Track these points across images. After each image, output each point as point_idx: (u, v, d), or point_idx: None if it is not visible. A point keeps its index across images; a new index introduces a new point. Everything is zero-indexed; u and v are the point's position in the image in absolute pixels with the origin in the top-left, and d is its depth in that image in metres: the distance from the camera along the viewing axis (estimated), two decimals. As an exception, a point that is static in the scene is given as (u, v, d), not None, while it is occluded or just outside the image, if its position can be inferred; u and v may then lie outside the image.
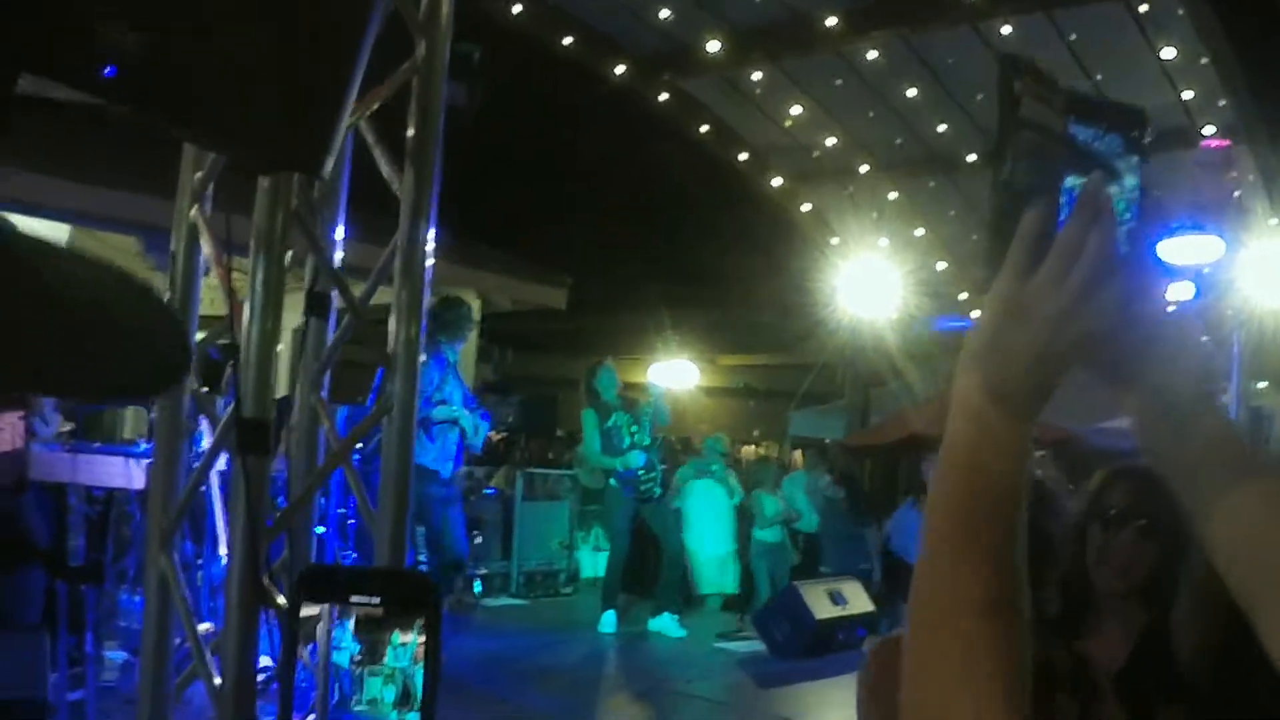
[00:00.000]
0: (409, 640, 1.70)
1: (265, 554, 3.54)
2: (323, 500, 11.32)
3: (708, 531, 13.55)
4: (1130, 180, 1.27)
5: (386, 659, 1.70)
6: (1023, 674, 1.15)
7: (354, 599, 1.72)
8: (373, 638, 1.72)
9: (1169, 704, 2.71)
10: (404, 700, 1.72)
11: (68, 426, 8.57)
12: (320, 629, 1.74)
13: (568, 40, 16.37)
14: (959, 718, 1.12)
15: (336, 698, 1.71)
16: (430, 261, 3.81)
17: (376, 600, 1.73)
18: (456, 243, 15.50)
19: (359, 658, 1.71)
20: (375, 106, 3.86)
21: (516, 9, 15.54)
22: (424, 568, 9.52)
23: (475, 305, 15.72)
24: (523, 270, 16.38)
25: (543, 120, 23.90)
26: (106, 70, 2.11)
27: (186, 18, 2.28)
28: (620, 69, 16.95)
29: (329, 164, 2.52)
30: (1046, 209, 1.23)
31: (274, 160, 2.58)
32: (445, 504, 10.01)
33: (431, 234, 3.82)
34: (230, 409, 3.40)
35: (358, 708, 1.68)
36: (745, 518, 14.45)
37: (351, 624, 1.72)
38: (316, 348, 4.07)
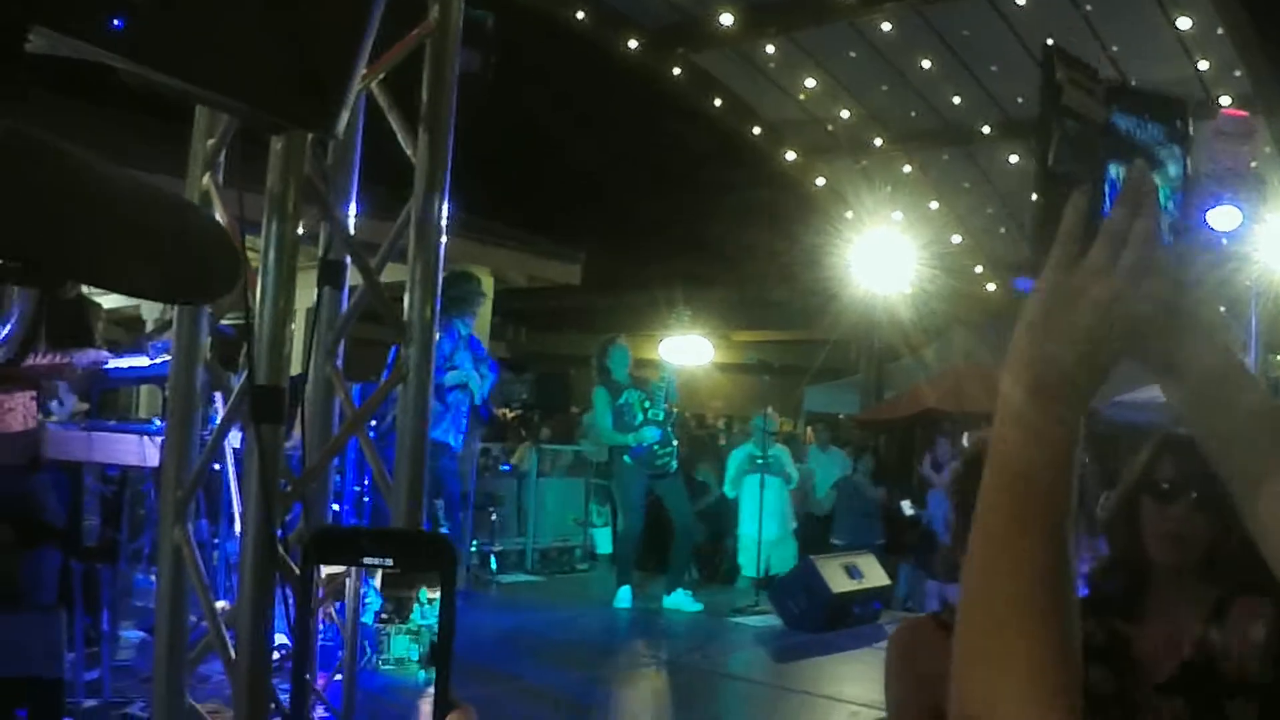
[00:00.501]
0: (435, 596, 1.66)
1: (281, 523, 3.51)
2: (338, 477, 11.32)
3: (768, 514, 13.45)
4: (1173, 168, 1.27)
5: (413, 616, 1.67)
6: (1074, 667, 1.15)
7: (367, 560, 1.69)
8: (399, 594, 1.69)
9: (1234, 698, 2.68)
10: (431, 658, 1.69)
11: (83, 406, 8.53)
12: (349, 586, 1.72)
13: (580, 15, 16.31)
14: (1009, 706, 1.12)
15: (364, 656, 1.69)
16: (445, 227, 3.76)
17: (389, 561, 1.70)
18: (470, 219, 15.50)
19: (385, 615, 1.68)
20: (388, 69, 3.81)
21: (529, -17, 15.49)
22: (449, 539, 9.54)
23: (489, 282, 15.71)
24: (536, 247, 16.33)
25: (556, 95, 23.83)
26: (115, 22, 2.06)
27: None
28: (633, 43, 16.89)
29: (342, 123, 2.46)
30: (1091, 197, 1.22)
31: (285, 118, 2.52)
32: (455, 476, 10.13)
33: (445, 203, 3.76)
34: (243, 380, 3.36)
35: (385, 666, 1.64)
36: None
37: (377, 581, 1.69)
38: (331, 318, 4.02)
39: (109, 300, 13.02)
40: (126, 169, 1.86)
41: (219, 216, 3.68)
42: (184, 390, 3.83)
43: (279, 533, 3.84)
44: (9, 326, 6.78)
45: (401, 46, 3.80)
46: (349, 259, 3.95)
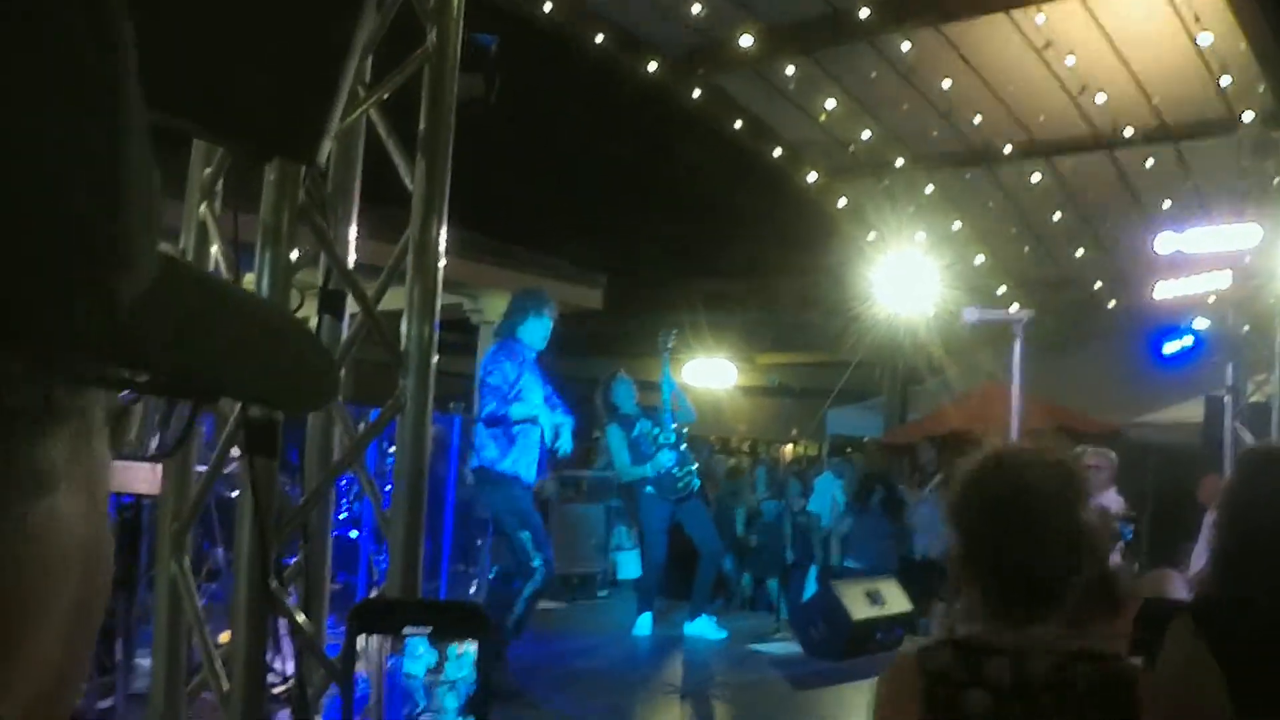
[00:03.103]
0: (464, 650, 1.67)
1: (277, 557, 3.46)
2: (358, 505, 11.28)
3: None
4: None
5: (447, 670, 1.67)
6: None
7: (407, 630, 1.72)
8: (439, 647, 1.71)
9: None
10: (467, 709, 1.72)
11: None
12: (374, 656, 1.71)
13: (599, 38, 16.29)
14: None
15: (406, 709, 1.68)
16: (443, 256, 3.71)
17: (428, 630, 1.73)
18: (490, 243, 15.50)
19: (434, 668, 1.70)
20: (385, 95, 3.77)
21: (548, 6, 15.46)
22: (539, 566, 9.11)
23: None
24: (558, 271, 16.33)
25: (576, 118, 23.83)
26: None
27: (174, 4, 2.19)
28: (652, 66, 16.87)
29: (324, 152, 2.42)
30: None
31: (267, 148, 2.48)
32: (522, 511, 9.36)
33: (444, 228, 3.71)
34: (237, 411, 3.31)
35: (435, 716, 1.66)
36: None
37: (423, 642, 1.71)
38: (330, 346, 3.97)
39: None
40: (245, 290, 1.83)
41: (214, 247, 3.64)
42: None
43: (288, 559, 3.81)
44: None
45: (399, 73, 3.75)
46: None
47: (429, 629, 1.64)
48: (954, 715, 2.53)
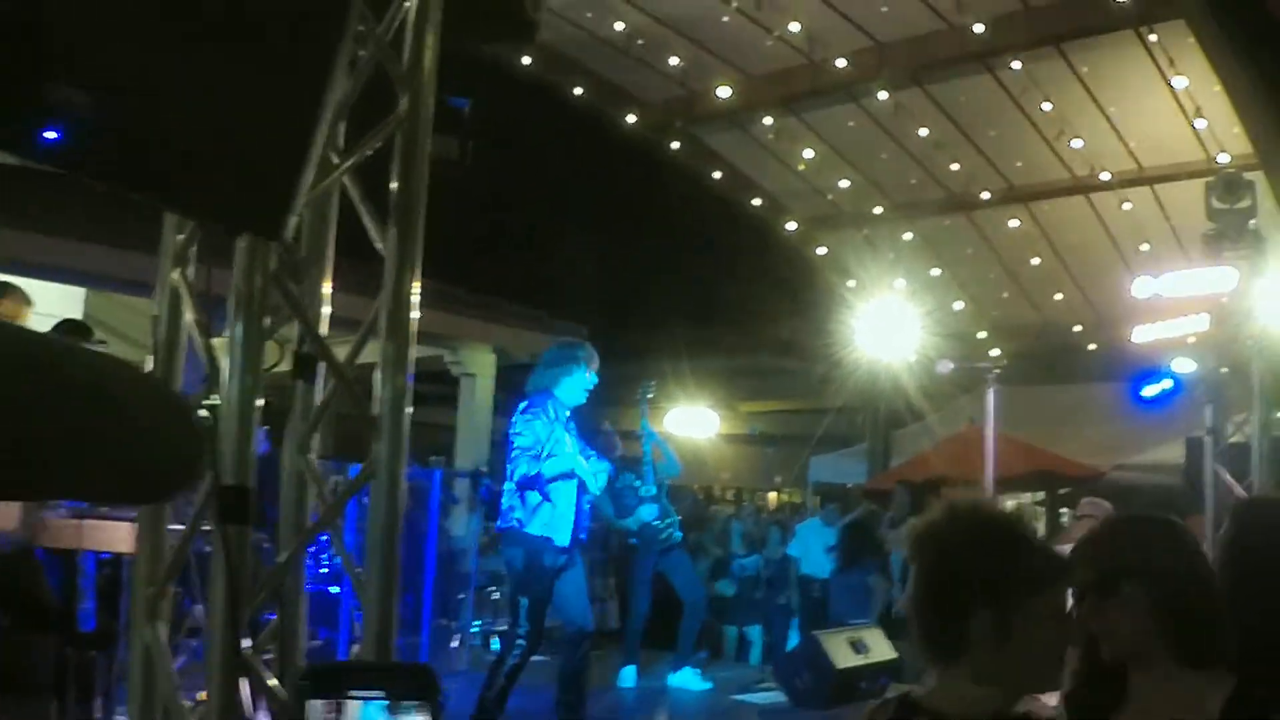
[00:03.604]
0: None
1: (255, 615, 3.47)
2: (338, 560, 11.23)
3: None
4: None
5: None
6: None
7: (354, 694, 1.72)
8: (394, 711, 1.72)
9: None
10: None
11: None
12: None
13: (579, 90, 16.39)
14: None
15: None
16: (416, 316, 3.72)
17: (380, 693, 1.73)
18: (473, 296, 15.53)
19: None
20: (357, 161, 3.79)
21: (527, 60, 15.56)
22: (522, 641, 8.61)
23: (490, 359, 15.71)
24: (539, 322, 16.35)
25: (558, 170, 23.93)
26: (48, 134, 2.03)
27: (137, 78, 2.21)
28: (632, 117, 16.98)
29: (290, 227, 2.44)
30: None
31: (232, 225, 2.51)
32: (557, 573, 8.68)
33: (417, 288, 3.73)
34: (210, 479, 3.32)
35: None
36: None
37: (353, 711, 1.71)
38: (305, 410, 3.99)
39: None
40: (86, 350, 1.82)
41: (187, 315, 3.65)
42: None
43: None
44: None
45: (371, 139, 3.78)
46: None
47: (379, 692, 1.65)
48: None
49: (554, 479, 8.51)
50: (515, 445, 8.74)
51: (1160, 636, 2.79)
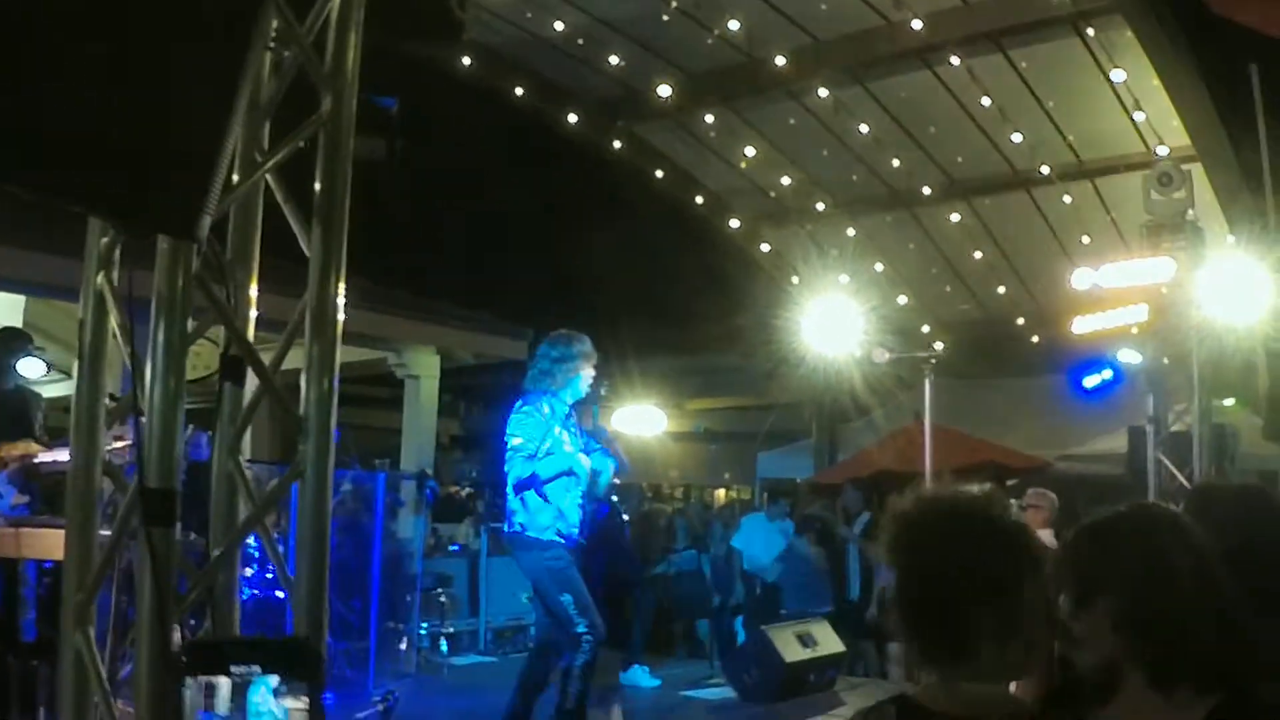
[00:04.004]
0: (260, 702, 1.68)
1: (189, 619, 3.45)
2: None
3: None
4: None
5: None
6: None
7: (235, 669, 1.71)
8: (241, 700, 1.71)
9: None
10: None
11: (23, 499, 8.41)
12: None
13: (520, 90, 16.38)
14: None
15: None
16: (341, 317, 3.72)
17: (258, 669, 1.71)
18: (416, 298, 15.49)
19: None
20: (279, 161, 3.78)
21: (467, 60, 15.53)
22: (588, 637, 8.05)
23: (433, 360, 15.68)
24: (483, 323, 16.33)
25: (500, 171, 23.90)
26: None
27: (43, 81, 2.20)
28: (573, 117, 16.98)
29: (205, 228, 2.44)
30: None
31: (146, 226, 2.49)
32: (559, 573, 8.30)
33: (342, 288, 3.72)
34: (135, 482, 3.31)
35: None
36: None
37: (226, 690, 1.71)
38: (233, 412, 3.97)
39: (52, 389, 12.94)
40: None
41: (112, 319, 3.63)
42: (82, 490, 3.77)
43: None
44: None
45: (293, 139, 3.77)
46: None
47: (257, 666, 1.65)
48: None
49: (551, 479, 8.17)
50: (509, 446, 8.37)
51: (1129, 658, 2.68)
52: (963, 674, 2.47)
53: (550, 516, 8.20)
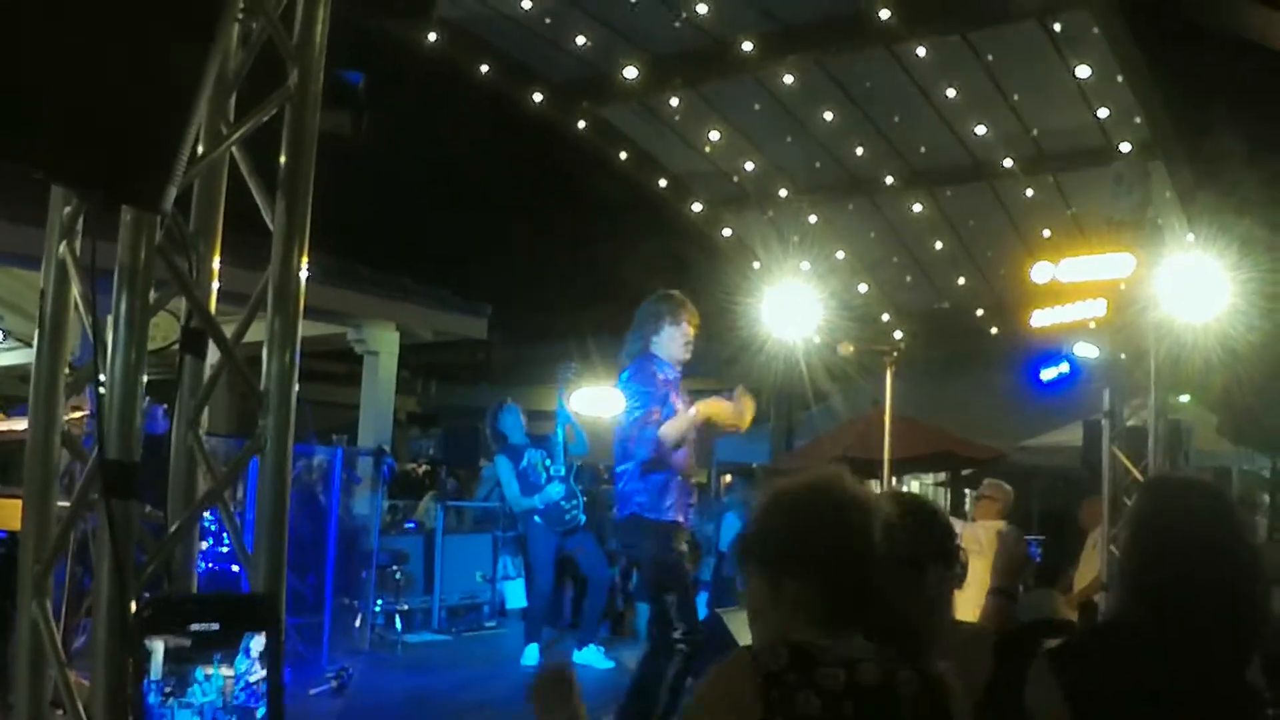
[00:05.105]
0: (212, 673, 1.66)
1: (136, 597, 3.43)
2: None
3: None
4: None
5: (192, 692, 1.67)
6: None
7: (194, 627, 1.71)
8: (180, 669, 1.69)
9: None
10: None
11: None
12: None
13: (484, 68, 16.31)
14: None
15: None
16: (303, 291, 3.71)
17: (216, 627, 1.71)
18: (376, 274, 15.46)
19: (168, 690, 1.68)
20: (244, 134, 3.76)
21: (432, 37, 15.45)
22: (682, 645, 7.41)
23: (394, 338, 15.65)
24: (443, 300, 16.33)
25: (463, 149, 23.84)
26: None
27: (12, 48, 2.19)
28: (538, 97, 16.93)
29: (169, 199, 2.42)
30: None
31: (111, 195, 2.48)
32: (675, 568, 7.75)
33: (304, 264, 3.71)
34: (94, 454, 3.29)
35: None
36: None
37: (160, 655, 1.69)
38: (194, 385, 3.96)
39: (14, 357, 12.82)
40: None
41: (74, 288, 3.61)
42: (41, 458, 3.75)
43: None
44: None
45: (259, 111, 3.76)
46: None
47: (215, 625, 1.65)
48: (790, 714, 2.62)
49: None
50: (630, 420, 7.71)
51: None
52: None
53: (671, 498, 7.69)
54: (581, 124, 17.74)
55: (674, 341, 7.89)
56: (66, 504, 3.80)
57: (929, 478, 21.98)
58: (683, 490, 7.70)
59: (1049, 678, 3.04)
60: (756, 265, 19.63)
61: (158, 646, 1.63)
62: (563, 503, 11.95)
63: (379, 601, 12.86)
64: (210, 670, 1.62)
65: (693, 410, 7.64)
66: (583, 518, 12.21)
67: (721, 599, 13.19)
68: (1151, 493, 3.53)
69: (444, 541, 14.42)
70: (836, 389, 19.24)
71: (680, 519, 7.68)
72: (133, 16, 2.27)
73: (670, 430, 7.49)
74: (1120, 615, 3.32)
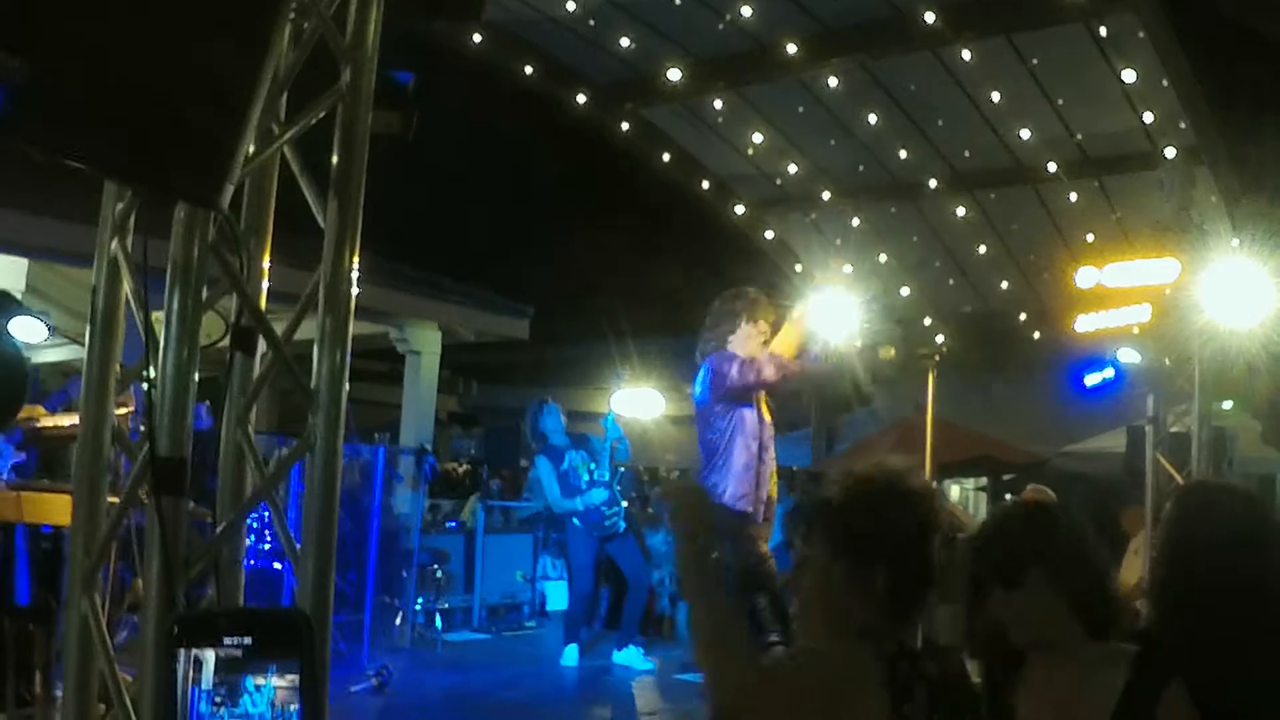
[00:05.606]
0: (264, 683, 1.65)
1: (187, 595, 3.45)
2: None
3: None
4: None
5: (243, 703, 1.66)
6: None
7: (227, 641, 1.69)
8: (231, 679, 1.68)
9: None
10: None
11: (18, 458, 8.40)
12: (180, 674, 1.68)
13: (529, 70, 16.33)
14: None
15: None
16: (355, 291, 3.71)
17: (249, 641, 1.70)
18: (419, 274, 15.50)
19: (218, 700, 1.67)
20: (297, 133, 3.77)
21: (477, 38, 15.48)
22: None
23: (436, 337, 15.69)
24: (485, 301, 16.37)
25: (507, 151, 23.90)
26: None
27: (74, 45, 2.20)
28: (581, 98, 16.93)
29: (227, 196, 2.43)
30: None
31: (170, 192, 2.49)
32: (766, 564, 7.66)
33: (356, 264, 3.72)
34: (144, 450, 3.30)
35: None
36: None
37: (211, 664, 1.68)
38: (243, 383, 3.97)
39: (59, 353, 12.94)
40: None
41: (125, 286, 3.63)
42: (92, 454, 3.76)
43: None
44: None
45: (312, 110, 3.76)
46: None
47: (248, 639, 1.64)
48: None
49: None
50: (712, 420, 7.81)
51: (1072, 616, 2.86)
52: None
53: (746, 487, 7.63)
54: (625, 125, 17.73)
55: (751, 340, 8.00)
56: (114, 500, 3.83)
57: (970, 482, 21.88)
58: (759, 481, 7.62)
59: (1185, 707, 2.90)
60: (799, 268, 19.58)
61: (209, 655, 1.62)
62: (603, 508, 11.94)
63: (420, 600, 12.90)
64: (262, 681, 1.61)
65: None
66: (622, 525, 12.19)
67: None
68: (1182, 501, 3.52)
69: (485, 541, 14.45)
70: (878, 393, 19.16)
71: (749, 510, 7.56)
72: (191, 23, 2.28)
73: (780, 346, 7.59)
74: (1151, 623, 3.31)
